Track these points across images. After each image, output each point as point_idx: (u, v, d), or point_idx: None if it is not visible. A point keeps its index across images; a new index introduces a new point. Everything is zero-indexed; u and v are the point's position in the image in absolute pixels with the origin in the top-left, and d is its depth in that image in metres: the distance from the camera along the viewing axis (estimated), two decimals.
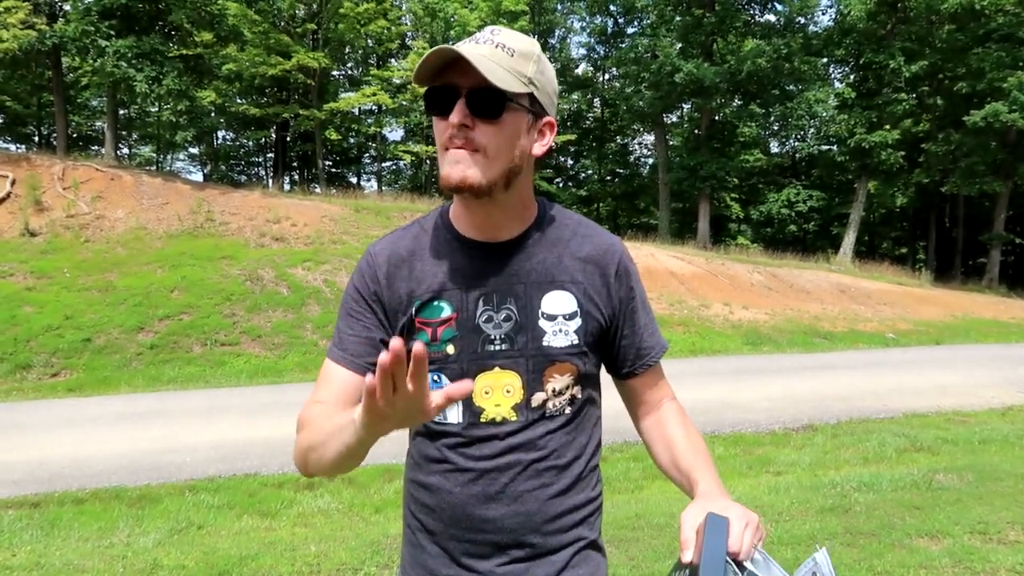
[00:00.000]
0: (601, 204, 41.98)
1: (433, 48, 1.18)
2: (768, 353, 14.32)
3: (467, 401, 1.28)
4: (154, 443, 7.05)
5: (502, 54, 1.18)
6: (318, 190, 27.70)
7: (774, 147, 39.99)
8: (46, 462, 6.41)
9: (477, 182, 1.20)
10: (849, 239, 29.60)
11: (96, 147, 33.17)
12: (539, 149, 1.28)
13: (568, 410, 1.32)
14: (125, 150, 37.74)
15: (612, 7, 34.42)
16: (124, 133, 35.86)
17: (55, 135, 24.64)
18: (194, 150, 42.34)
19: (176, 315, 12.52)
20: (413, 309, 1.30)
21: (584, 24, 38.19)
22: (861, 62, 28.59)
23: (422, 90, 1.24)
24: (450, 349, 1.28)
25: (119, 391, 10.06)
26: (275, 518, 5.20)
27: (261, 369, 11.42)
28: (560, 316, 1.30)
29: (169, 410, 8.55)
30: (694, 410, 7.92)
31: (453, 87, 1.19)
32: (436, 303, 1.29)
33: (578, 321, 1.31)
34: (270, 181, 35.48)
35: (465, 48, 1.17)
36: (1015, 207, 32.02)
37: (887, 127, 27.50)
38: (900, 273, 26.93)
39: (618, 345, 1.38)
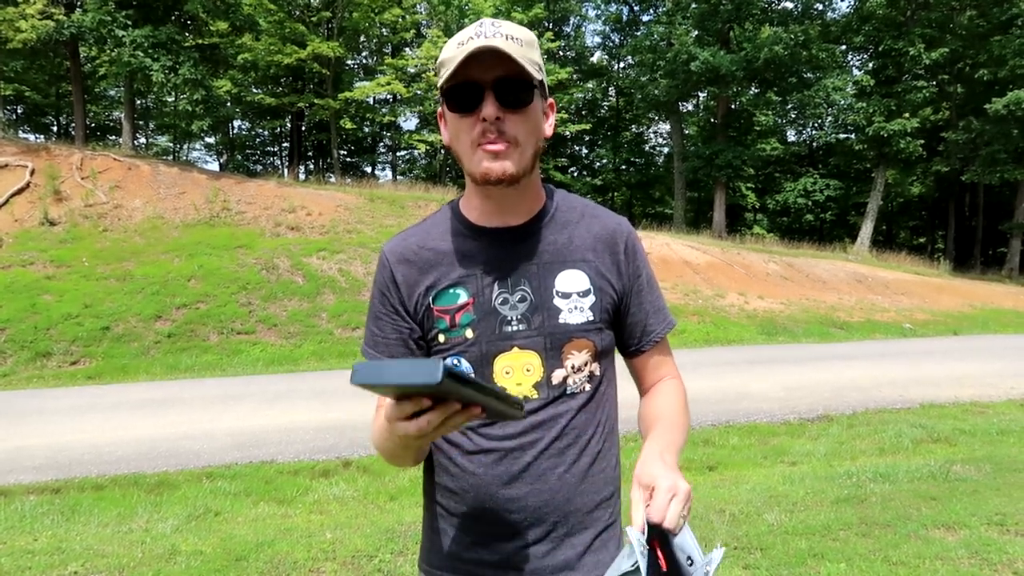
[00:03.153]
0: (616, 193, 41.83)
1: (461, 42, 1.20)
2: (784, 343, 14.24)
3: (488, 381, 1.31)
4: (172, 430, 7.13)
5: (515, 45, 1.20)
6: (333, 179, 27.78)
7: (791, 135, 39.64)
8: (66, 448, 6.49)
9: (514, 173, 1.24)
10: (866, 228, 29.34)
11: (114, 137, 33.47)
12: (549, 130, 1.33)
13: (588, 387, 1.34)
14: (142, 140, 37.99)
15: None
16: (141, 123, 36.11)
17: (73, 125, 24.87)
18: (210, 140, 42.56)
19: (193, 304, 12.63)
20: (430, 299, 1.33)
21: (599, 12, 37.90)
22: (880, 49, 28.20)
23: (435, 83, 1.27)
24: (468, 333, 1.31)
25: (137, 379, 10.18)
26: (291, 505, 5.25)
27: (277, 357, 11.50)
28: (574, 293, 1.33)
29: (186, 398, 8.63)
30: (709, 399, 7.94)
31: (475, 82, 1.21)
32: (452, 290, 1.32)
33: (592, 298, 1.33)
34: (285, 171, 35.63)
35: (487, 41, 1.18)
36: None
37: (906, 115, 27.18)
38: (918, 263, 26.68)
39: (625, 322, 1.41)
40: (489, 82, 1.20)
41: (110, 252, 14.12)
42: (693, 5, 29.06)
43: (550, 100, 1.34)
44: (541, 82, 1.26)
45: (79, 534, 4.54)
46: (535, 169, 1.32)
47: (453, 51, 1.21)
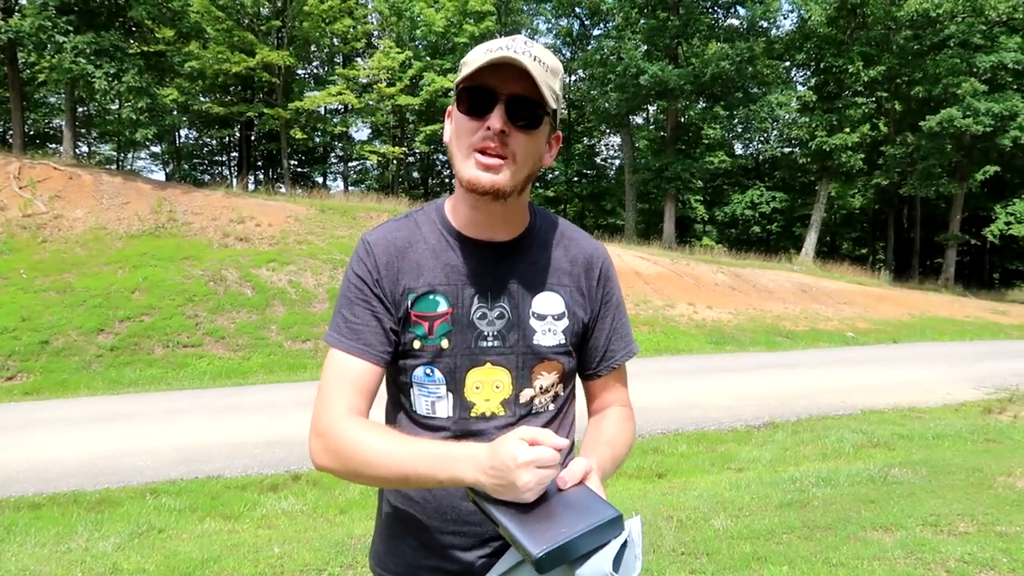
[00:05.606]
0: (568, 205, 42.16)
1: (490, 49, 1.21)
2: (731, 352, 14.52)
3: (458, 395, 1.31)
4: (114, 446, 6.94)
5: (539, 67, 1.21)
6: (283, 190, 27.42)
7: (738, 149, 40.51)
8: (1, 467, 6.27)
9: (503, 188, 1.24)
10: (811, 240, 30.12)
11: (54, 145, 32.42)
12: (549, 160, 1.33)
13: (552, 407, 1.37)
14: (84, 148, 36.94)
15: (578, 9, 34.58)
16: (83, 131, 35.10)
17: (11, 133, 24.04)
18: (156, 149, 41.52)
19: (137, 316, 12.31)
20: (409, 302, 1.31)
21: (550, 26, 38.32)
22: (822, 66, 29.11)
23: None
24: (444, 343, 1.30)
25: (78, 394, 9.87)
26: (238, 520, 5.15)
27: (224, 371, 11.28)
28: (550, 316, 1.34)
29: (130, 413, 8.41)
30: (659, 408, 8.05)
31: (491, 91, 1.21)
32: (432, 297, 1.31)
33: (566, 322, 1.35)
34: (234, 181, 34.99)
35: (514, 56, 1.18)
36: (970, 208, 32.86)
37: (847, 130, 28.05)
38: (860, 273, 27.49)
39: (586, 345, 1.42)
40: (504, 95, 1.21)
41: (50, 264, 13.68)
42: (642, 21, 29.57)
43: (558, 133, 1.34)
44: (554, 111, 1.27)
45: (15, 555, 4.39)
46: (526, 191, 1.32)
47: (479, 55, 1.22)
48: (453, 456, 1.15)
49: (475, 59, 1.23)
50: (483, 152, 1.23)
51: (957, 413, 8.69)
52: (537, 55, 1.22)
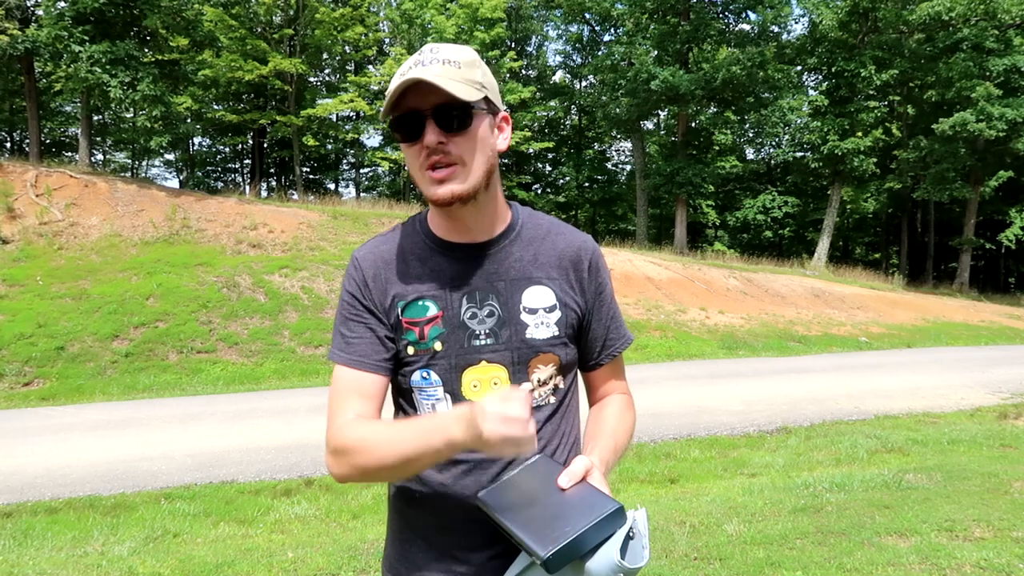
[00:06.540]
0: (579, 210, 42.16)
1: (402, 73, 1.25)
2: (744, 357, 14.45)
3: (456, 395, 1.34)
4: (129, 451, 6.99)
5: (451, 69, 1.25)
6: (295, 196, 27.58)
7: (750, 154, 40.40)
8: (18, 471, 6.33)
9: (463, 192, 1.28)
10: (823, 244, 29.97)
11: (70, 153, 32.77)
12: (503, 143, 1.36)
13: (552, 399, 1.38)
14: (99, 156, 37.30)
15: (588, 15, 34.63)
16: (98, 139, 35.43)
17: (28, 141, 24.35)
18: (170, 156, 41.87)
19: (152, 323, 12.41)
20: (399, 309, 1.35)
21: (560, 32, 38.36)
22: (833, 70, 28.95)
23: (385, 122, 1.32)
24: (437, 346, 1.34)
25: (93, 399, 9.95)
26: (252, 525, 5.18)
27: (238, 376, 11.35)
28: (541, 309, 1.36)
29: (144, 418, 8.47)
30: (671, 413, 8.04)
31: (416, 112, 1.26)
32: (420, 303, 1.35)
33: (558, 314, 1.37)
34: (247, 187, 35.23)
35: (419, 72, 1.23)
36: (984, 212, 32.61)
37: (859, 134, 27.91)
38: (873, 278, 27.32)
39: (585, 337, 1.44)
40: (428, 110, 1.25)
41: (65, 270, 13.81)
42: (652, 26, 29.57)
43: (503, 113, 1.36)
44: (486, 98, 1.30)
45: (32, 559, 4.43)
46: (493, 186, 1.35)
47: (396, 82, 1.27)
48: (443, 417, 1.20)
49: (391, 89, 1.28)
50: (432, 168, 1.27)
51: (972, 418, 8.61)
52: (447, 57, 1.26)
